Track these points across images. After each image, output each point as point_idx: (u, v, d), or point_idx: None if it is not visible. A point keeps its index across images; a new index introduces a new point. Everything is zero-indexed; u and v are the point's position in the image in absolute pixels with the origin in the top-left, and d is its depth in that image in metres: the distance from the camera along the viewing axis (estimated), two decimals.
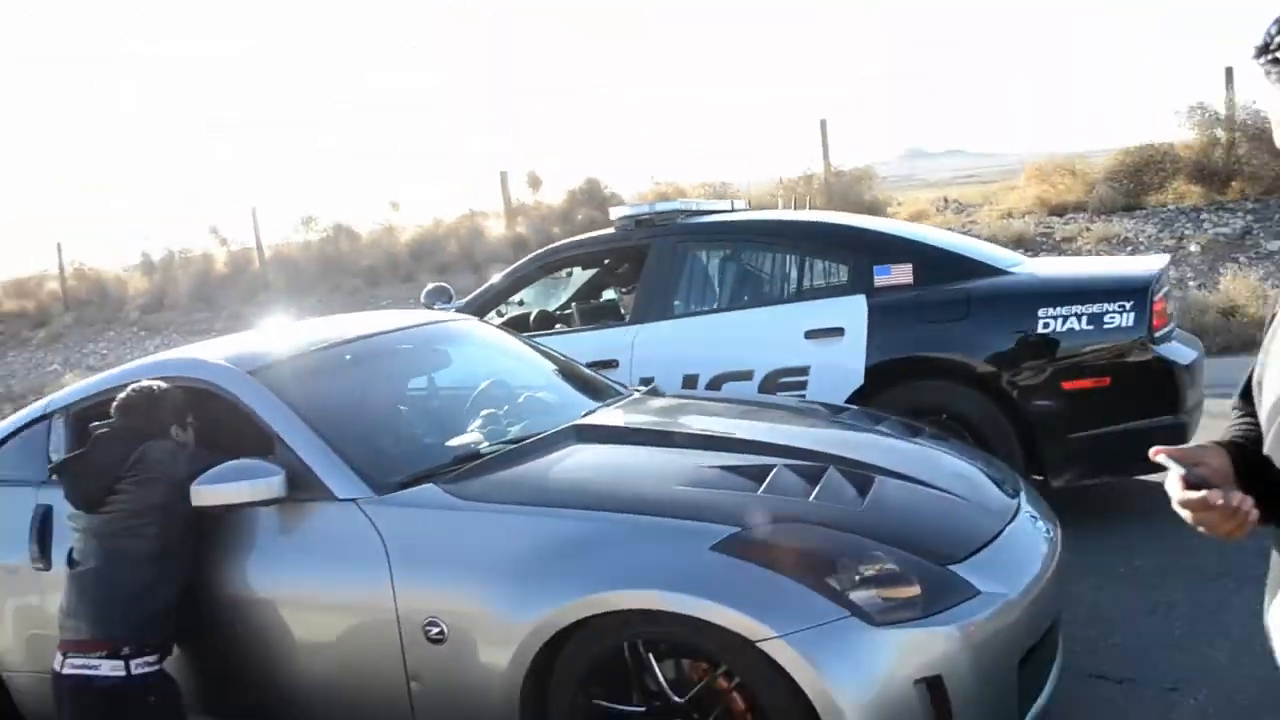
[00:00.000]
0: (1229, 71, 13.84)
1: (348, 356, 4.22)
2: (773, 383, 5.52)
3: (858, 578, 2.97)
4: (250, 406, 3.69)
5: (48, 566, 3.91)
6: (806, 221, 6.31)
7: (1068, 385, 5.21)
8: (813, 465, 3.54)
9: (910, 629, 2.92)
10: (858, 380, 5.38)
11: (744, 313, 5.80)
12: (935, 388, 5.36)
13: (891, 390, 5.35)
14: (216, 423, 3.84)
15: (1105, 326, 5.17)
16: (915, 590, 2.98)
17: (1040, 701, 3.26)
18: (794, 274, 5.81)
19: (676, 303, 5.93)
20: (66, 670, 3.37)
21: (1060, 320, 5.21)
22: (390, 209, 19.52)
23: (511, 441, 3.84)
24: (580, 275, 7.16)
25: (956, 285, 5.45)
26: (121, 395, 3.63)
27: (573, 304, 6.91)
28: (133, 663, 3.35)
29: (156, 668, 3.41)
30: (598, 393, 4.59)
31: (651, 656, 3.04)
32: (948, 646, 2.93)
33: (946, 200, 16.75)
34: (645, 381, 5.33)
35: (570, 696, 3.12)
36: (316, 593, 3.45)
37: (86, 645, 3.35)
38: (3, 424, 4.42)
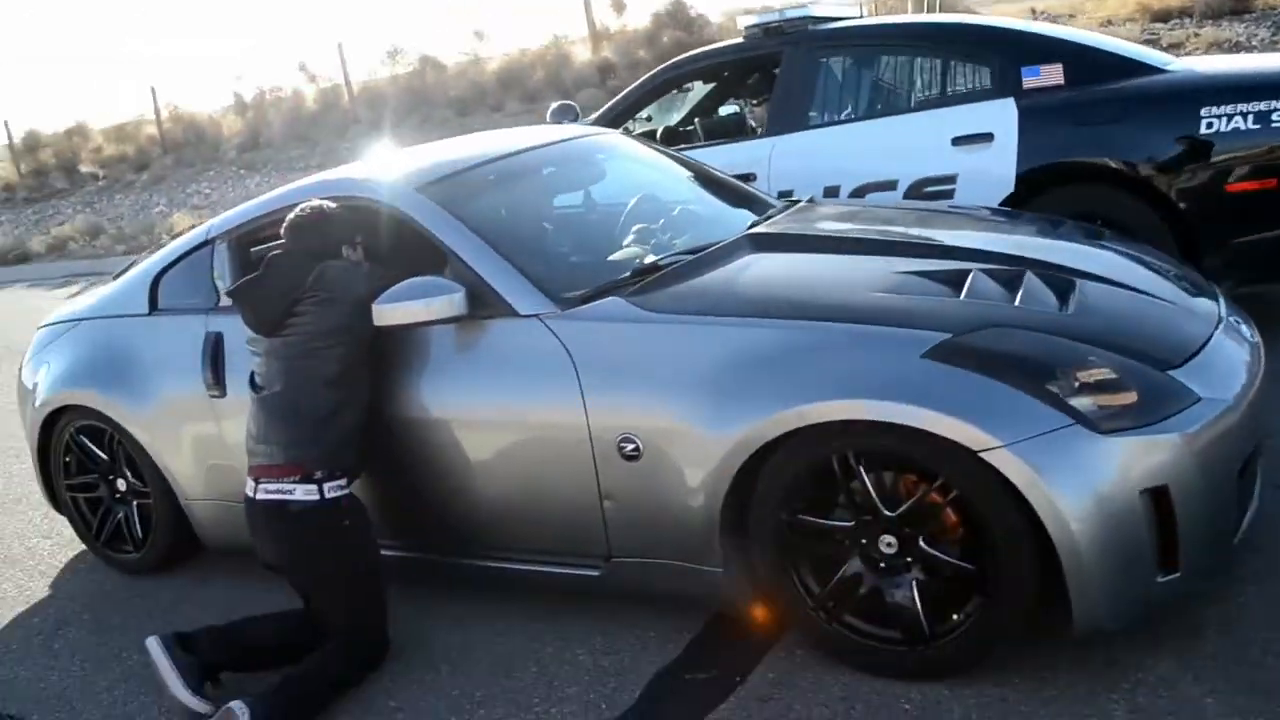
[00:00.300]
0: None
1: (511, 171, 4.09)
2: (918, 192, 5.31)
3: (1077, 384, 2.84)
4: (422, 224, 3.60)
5: (223, 393, 3.93)
6: (946, 23, 6.01)
7: (1232, 188, 4.95)
8: (1009, 270, 3.39)
9: (1136, 436, 2.78)
10: (1008, 187, 5.16)
11: (885, 120, 5.55)
12: (1091, 194, 5.12)
13: (1044, 197, 5.12)
14: (383, 243, 3.75)
15: (1273, 125, 4.87)
16: (1133, 397, 2.84)
17: (1249, 514, 3.16)
18: (936, 79, 5.54)
19: (813, 113, 5.70)
20: (260, 496, 3.38)
21: (1224, 119, 4.91)
22: (474, 39, 19.09)
23: (685, 253, 3.71)
24: (700, 89, 6.90)
25: (1111, 85, 5.16)
26: (291, 216, 3.55)
27: (695, 119, 6.68)
28: (325, 486, 3.35)
29: (348, 491, 3.42)
30: (753, 204, 4.43)
31: (862, 469, 2.97)
32: (1173, 455, 2.79)
33: (1034, 11, 15.95)
34: (784, 194, 5.16)
35: (774, 512, 3.07)
36: (502, 413, 3.40)
37: (280, 470, 3.36)
38: (161, 252, 4.38)
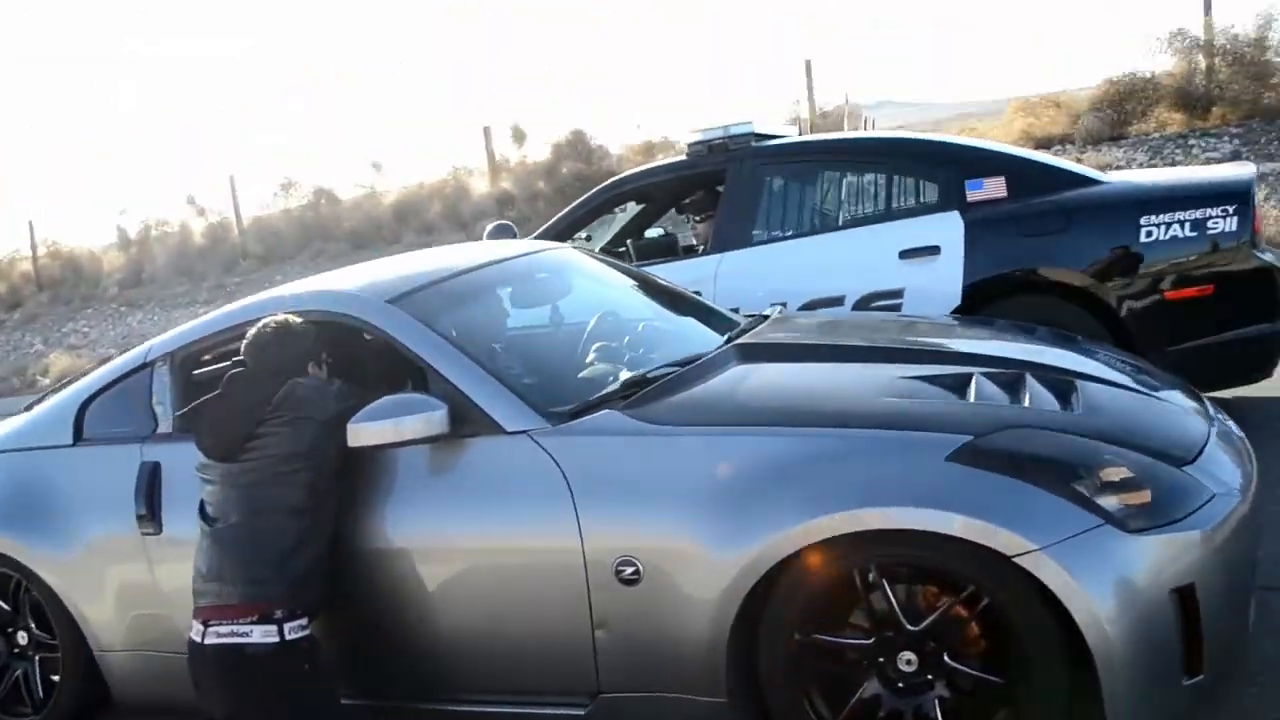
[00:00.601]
0: None
1: (478, 285, 3.90)
2: (865, 306, 5.28)
3: (1100, 483, 2.75)
4: (397, 337, 3.37)
5: (157, 530, 3.60)
6: (889, 138, 6.11)
7: (1171, 295, 5.06)
8: (1008, 373, 3.31)
9: (1162, 535, 2.70)
10: (956, 299, 5.17)
11: (831, 235, 5.56)
12: (1037, 303, 5.15)
13: (989, 308, 5.14)
14: (352, 360, 3.52)
15: (1209, 232, 5.01)
16: (1147, 496, 2.76)
17: (1252, 611, 3.08)
18: (881, 193, 5.58)
19: (758, 229, 5.68)
20: (210, 640, 3.05)
21: (1163, 228, 5.03)
22: (371, 170, 19.01)
23: (672, 365, 3.55)
24: (631, 210, 6.86)
25: (1052, 197, 5.25)
26: (252, 332, 3.30)
27: (627, 240, 6.60)
28: (286, 627, 3.04)
29: (308, 632, 3.11)
30: (713, 319, 4.31)
31: (885, 582, 2.80)
32: (1198, 553, 2.72)
33: None
34: (734, 312, 5.08)
35: (787, 634, 2.87)
36: (484, 538, 3.16)
37: (235, 610, 3.04)
38: (87, 379, 4.05)
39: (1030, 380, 3.25)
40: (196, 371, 3.86)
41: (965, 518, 2.66)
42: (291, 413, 3.14)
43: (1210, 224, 5.00)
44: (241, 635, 3.01)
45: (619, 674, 3.04)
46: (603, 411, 3.20)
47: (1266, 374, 5.25)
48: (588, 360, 3.83)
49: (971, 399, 3.11)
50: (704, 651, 2.91)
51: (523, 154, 17.49)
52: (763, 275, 5.45)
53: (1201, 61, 13.65)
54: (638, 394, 3.28)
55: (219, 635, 3.03)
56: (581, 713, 3.10)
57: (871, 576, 2.80)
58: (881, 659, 2.84)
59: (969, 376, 3.25)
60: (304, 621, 3.08)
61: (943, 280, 5.19)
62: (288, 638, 3.03)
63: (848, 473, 2.84)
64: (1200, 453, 3.02)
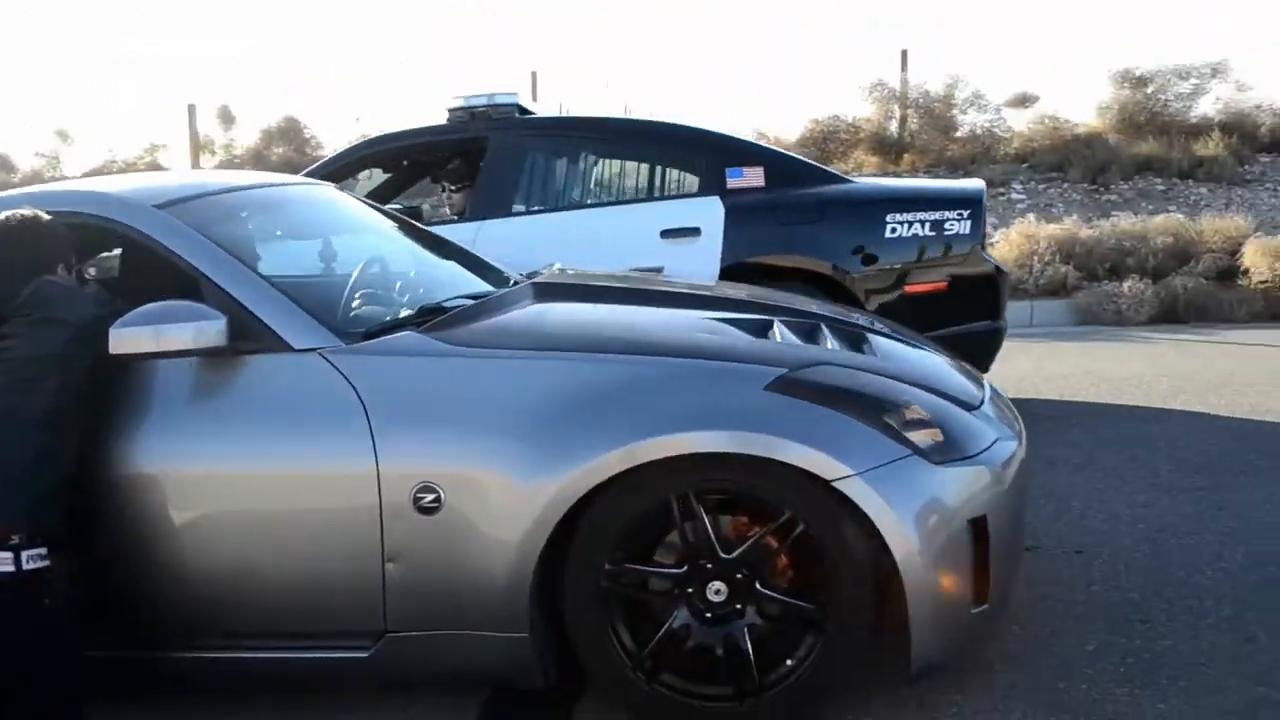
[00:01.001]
0: (904, 54, 14.93)
1: (254, 204, 3.56)
2: None
3: (906, 419, 2.83)
4: (165, 244, 3.00)
5: None
6: (655, 122, 6.16)
7: (911, 289, 5.37)
8: (805, 321, 3.36)
9: (962, 467, 2.82)
10: (713, 280, 5.25)
11: (594, 211, 5.56)
12: (787, 289, 5.32)
13: None
14: (110, 269, 3.12)
15: (946, 233, 5.36)
16: (940, 435, 2.87)
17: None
18: (644, 174, 5.63)
19: (519, 199, 5.57)
20: None
21: (906, 225, 5.34)
22: (58, 140, 17.26)
23: (465, 297, 3.36)
24: (378, 177, 6.56)
25: (807, 190, 5.46)
26: None
27: None
28: (24, 555, 2.62)
29: (48, 564, 2.69)
30: (488, 271, 4.15)
31: (702, 509, 2.74)
32: (990, 488, 2.86)
33: None
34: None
35: (596, 564, 2.76)
36: (263, 462, 2.84)
37: None
38: None
39: (825, 329, 3.32)
40: None
41: (787, 442, 2.65)
42: (40, 313, 2.73)
43: (948, 226, 5.35)
44: None
45: (410, 611, 2.81)
46: (403, 333, 2.98)
47: (984, 369, 5.63)
48: (358, 295, 3.58)
49: (777, 340, 3.13)
50: (506, 584, 2.75)
51: (230, 137, 16.53)
52: (523, 245, 5.31)
53: (897, 111, 14.74)
54: (435, 320, 3.08)
55: None
56: (365, 655, 2.85)
57: (687, 504, 2.73)
58: (690, 589, 2.78)
59: (770, 322, 3.28)
60: (44, 550, 2.66)
61: (701, 260, 5.28)
62: (25, 566, 2.61)
63: (666, 399, 2.76)
64: (983, 402, 3.17)
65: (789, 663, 2.78)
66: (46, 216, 2.93)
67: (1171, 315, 9.20)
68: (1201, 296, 9.24)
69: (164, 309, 2.82)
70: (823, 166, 5.87)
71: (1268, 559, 3.79)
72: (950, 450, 2.82)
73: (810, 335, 3.24)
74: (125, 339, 2.76)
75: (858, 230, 5.35)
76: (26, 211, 2.91)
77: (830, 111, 15.02)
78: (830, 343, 3.19)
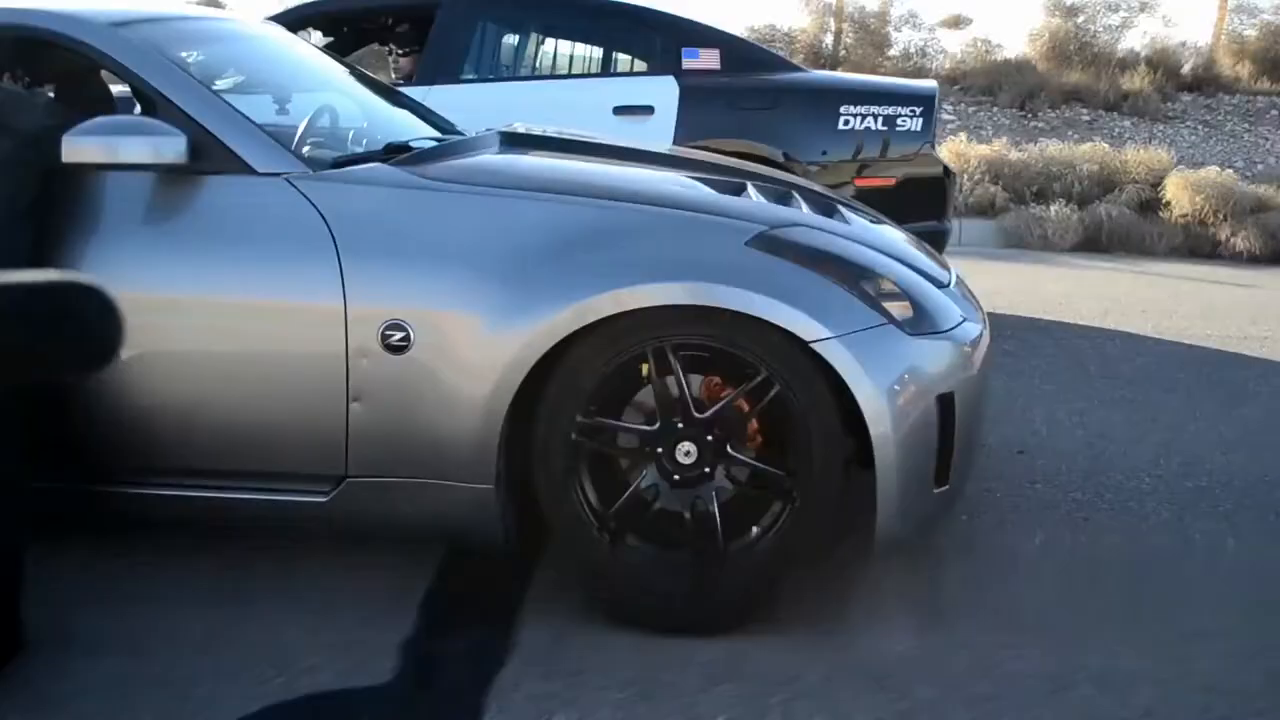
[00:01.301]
0: None
1: (205, 35, 3.36)
2: None
3: (882, 289, 2.80)
4: (124, 63, 2.81)
5: None
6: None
7: (860, 182, 5.35)
8: (776, 187, 3.30)
9: (935, 341, 2.79)
10: None
11: (547, 83, 5.42)
12: None
13: None
14: (56, 88, 2.91)
15: (898, 129, 5.34)
16: (909, 309, 2.84)
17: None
18: (599, 49, 5.49)
19: (468, 67, 5.39)
20: None
21: (859, 119, 5.31)
22: None
23: (428, 139, 3.23)
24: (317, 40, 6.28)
25: (763, 76, 5.37)
26: None
27: None
28: None
29: None
30: (442, 122, 4.00)
31: (679, 365, 2.68)
32: (960, 365, 2.84)
33: None
34: None
35: (567, 416, 2.68)
36: (220, 288, 2.70)
37: None
38: None
39: (797, 196, 3.26)
40: None
41: (769, 299, 2.59)
42: None
43: (900, 122, 5.32)
44: None
45: (372, 455, 2.71)
46: (372, 164, 2.84)
47: None
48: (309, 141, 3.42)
49: (752, 199, 3.07)
50: (475, 432, 2.66)
51: None
52: (472, 111, 5.15)
53: (832, 25, 14.67)
54: (404, 156, 2.95)
55: None
56: (323, 499, 2.75)
57: (664, 357, 2.67)
58: (660, 449, 2.73)
59: (743, 184, 3.21)
60: None
61: (653, 139, 5.16)
62: None
63: (646, 247, 2.69)
64: (950, 282, 3.15)
65: (755, 530, 2.75)
66: None
67: (1095, 244, 9.37)
68: (1125, 226, 9.41)
69: (122, 122, 2.67)
70: (780, 55, 5.77)
71: (1199, 471, 3.89)
72: (921, 324, 2.78)
73: (783, 199, 3.18)
74: (79, 148, 2.58)
75: (811, 120, 5.30)
76: None
77: (767, 21, 14.90)
78: (804, 207, 3.13)
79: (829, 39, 14.74)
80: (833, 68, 14.36)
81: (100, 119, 2.64)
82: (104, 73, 3.52)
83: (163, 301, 2.70)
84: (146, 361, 2.72)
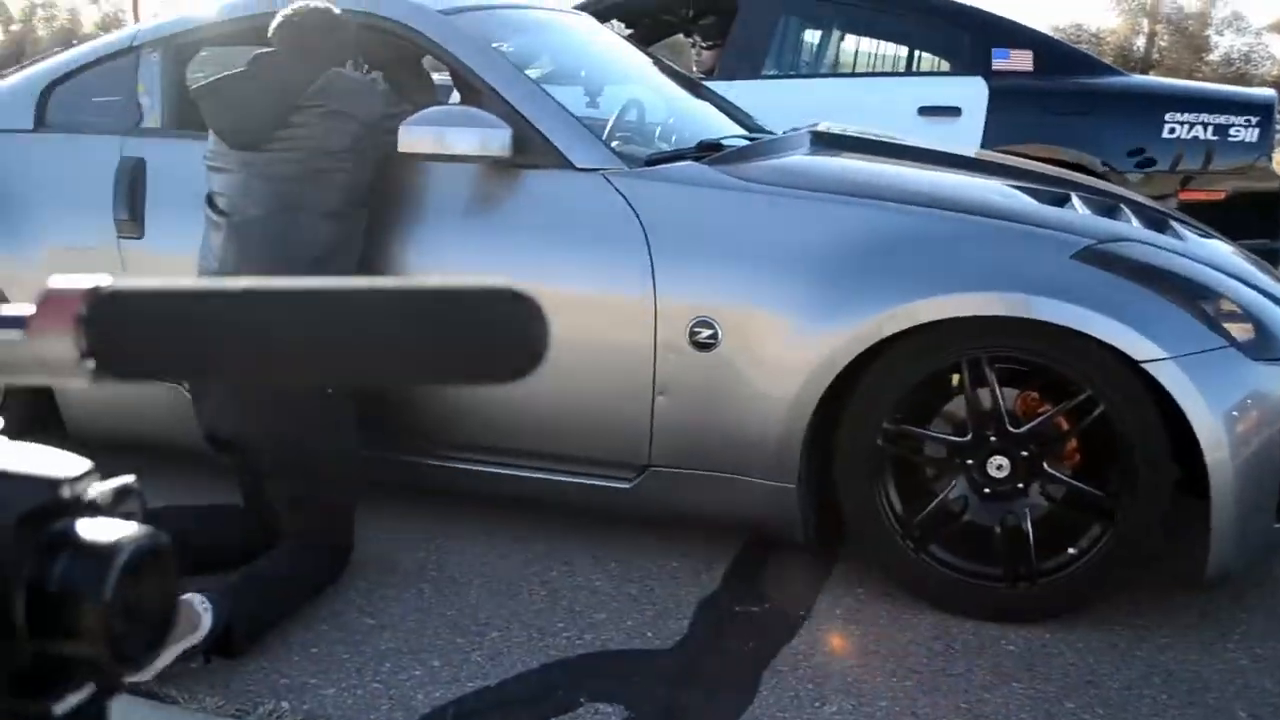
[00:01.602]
0: None
1: (525, 24, 3.50)
2: None
3: (1221, 309, 2.58)
4: (453, 52, 2.94)
5: (139, 234, 3.12)
6: None
7: (1185, 195, 4.95)
8: (1104, 199, 3.10)
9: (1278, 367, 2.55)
10: None
11: (848, 81, 5.30)
12: None
13: None
14: (394, 74, 3.08)
15: (1229, 140, 4.91)
16: (1251, 331, 2.60)
17: None
18: (905, 48, 5.33)
19: (770, 63, 5.35)
20: None
21: (1186, 127, 4.92)
22: None
23: (740, 137, 3.22)
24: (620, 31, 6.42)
25: (1079, 79, 5.08)
26: (287, 12, 2.82)
27: None
28: None
29: None
30: (750, 122, 3.98)
31: (993, 377, 2.56)
32: None
33: None
34: None
35: (874, 422, 2.61)
36: (536, 279, 2.75)
37: None
38: (50, 62, 3.48)
39: (1126, 209, 3.05)
40: (192, 70, 3.34)
41: (1097, 315, 2.44)
42: (334, 104, 2.70)
43: (1232, 132, 4.91)
44: None
45: (675, 447, 2.74)
46: (686, 162, 2.86)
47: None
48: (625, 119, 3.48)
49: (1077, 211, 2.89)
50: (778, 431, 2.64)
51: None
52: (772, 109, 5.14)
53: (1145, 26, 13.82)
54: (717, 155, 2.94)
55: None
56: (626, 486, 2.80)
57: (979, 369, 2.56)
58: (971, 461, 2.62)
59: (1067, 195, 3.02)
60: None
61: (960, 142, 4.96)
62: None
63: (965, 256, 2.58)
64: None
65: (1070, 551, 2.60)
66: (338, 10, 2.89)
67: None
68: None
69: (451, 112, 2.78)
70: (1097, 58, 5.44)
71: None
72: (1265, 348, 2.56)
73: (1111, 213, 2.98)
74: (413, 139, 2.71)
75: (1133, 126, 4.95)
76: (320, 3, 2.87)
77: (1073, 20, 14.20)
78: (1134, 221, 2.93)
79: (1141, 41, 13.90)
80: (1144, 71, 13.55)
81: (432, 109, 2.76)
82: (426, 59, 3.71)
83: None
84: None
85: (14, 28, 17.98)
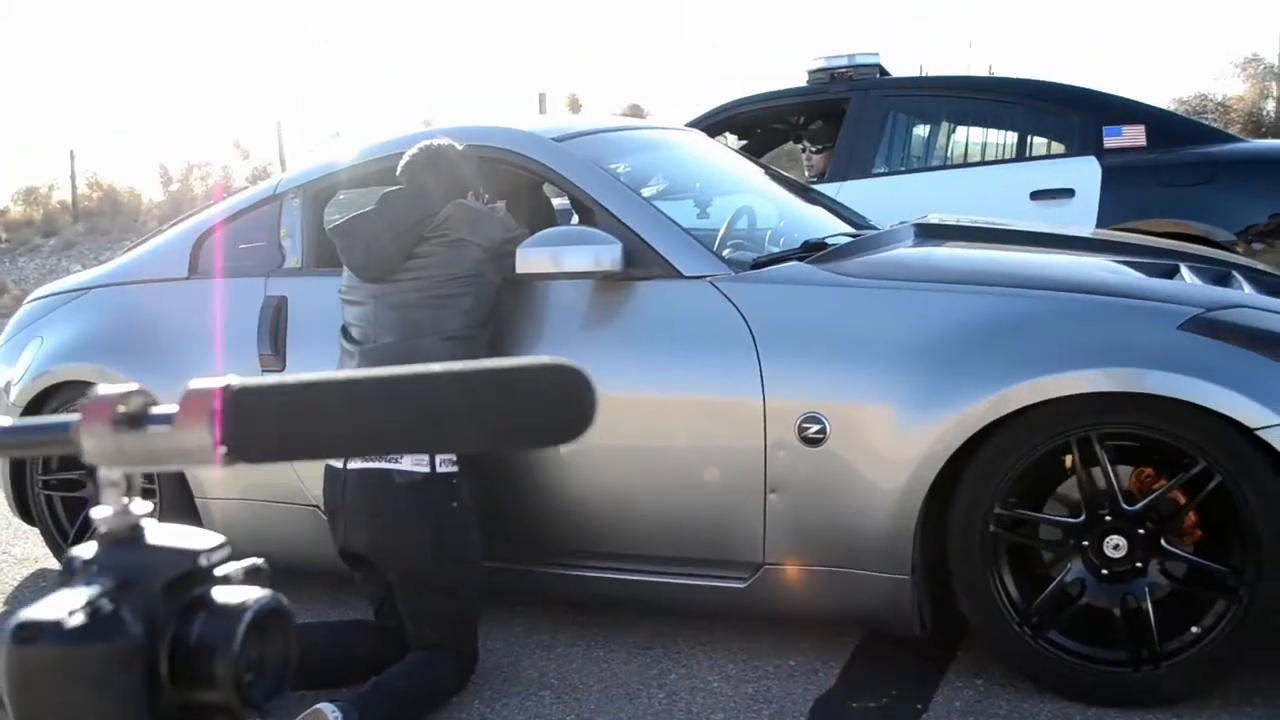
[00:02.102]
0: None
1: (635, 145, 3.70)
2: None
3: None
4: (567, 176, 3.15)
5: (281, 367, 3.36)
6: (1022, 80, 5.88)
7: None
8: (1214, 268, 3.10)
9: None
10: None
11: (958, 172, 5.36)
12: None
13: None
14: (512, 200, 3.30)
15: None
16: None
17: None
18: (1013, 133, 5.38)
19: (879, 161, 5.47)
20: (354, 465, 2.82)
21: None
22: (422, 125, 18.69)
23: (843, 235, 3.33)
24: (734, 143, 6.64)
25: (1194, 149, 5.04)
26: (413, 153, 3.08)
27: None
28: (437, 458, 2.81)
29: (458, 469, 2.87)
30: (858, 220, 4.09)
31: (1105, 454, 2.57)
32: None
33: None
34: None
35: (985, 508, 2.63)
36: (652, 386, 2.92)
37: None
38: (200, 216, 3.82)
39: (1238, 276, 3.04)
40: (330, 213, 3.63)
41: (1206, 384, 2.44)
42: (455, 233, 2.92)
43: None
44: (391, 461, 2.78)
45: (789, 544, 2.81)
46: (790, 264, 2.98)
47: None
48: (729, 244, 3.61)
49: (1186, 281, 2.90)
50: (889, 522, 2.68)
51: None
52: (886, 204, 5.23)
53: (1275, 90, 13.52)
54: (821, 254, 3.06)
55: (365, 460, 2.80)
56: (742, 585, 2.86)
57: (1089, 447, 2.57)
58: (1086, 542, 2.62)
59: (1175, 266, 3.04)
60: (454, 458, 2.85)
61: (1075, 223, 4.96)
62: (438, 469, 2.80)
63: (1068, 335, 2.61)
64: None
65: (1194, 630, 2.57)
66: (459, 145, 3.12)
67: None
68: None
69: (565, 233, 2.96)
70: (1213, 125, 5.40)
71: None
72: None
73: (1222, 280, 2.98)
74: (530, 260, 2.90)
75: (1255, 193, 4.88)
76: (443, 140, 3.12)
77: (1196, 89, 13.97)
78: (1246, 287, 2.92)
79: (1270, 105, 13.55)
80: (1276, 136, 13.20)
81: (547, 231, 2.96)
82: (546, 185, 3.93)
83: (601, 399, 2.92)
84: (584, 454, 2.97)
85: (173, 188, 19.23)
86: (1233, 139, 5.26)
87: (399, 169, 3.08)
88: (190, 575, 0.66)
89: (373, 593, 2.97)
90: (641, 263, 2.95)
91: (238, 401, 0.62)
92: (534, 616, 3.32)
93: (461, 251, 2.91)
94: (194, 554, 0.66)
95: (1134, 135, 5.09)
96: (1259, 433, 2.41)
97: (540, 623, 3.29)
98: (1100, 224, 4.93)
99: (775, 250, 3.39)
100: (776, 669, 2.94)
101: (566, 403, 0.65)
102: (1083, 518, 2.62)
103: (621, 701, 2.82)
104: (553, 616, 3.31)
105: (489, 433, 0.64)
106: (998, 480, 2.62)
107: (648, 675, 2.95)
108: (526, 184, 3.60)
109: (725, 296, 2.87)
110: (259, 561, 0.71)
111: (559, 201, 4.37)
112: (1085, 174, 5.03)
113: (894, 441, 2.67)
